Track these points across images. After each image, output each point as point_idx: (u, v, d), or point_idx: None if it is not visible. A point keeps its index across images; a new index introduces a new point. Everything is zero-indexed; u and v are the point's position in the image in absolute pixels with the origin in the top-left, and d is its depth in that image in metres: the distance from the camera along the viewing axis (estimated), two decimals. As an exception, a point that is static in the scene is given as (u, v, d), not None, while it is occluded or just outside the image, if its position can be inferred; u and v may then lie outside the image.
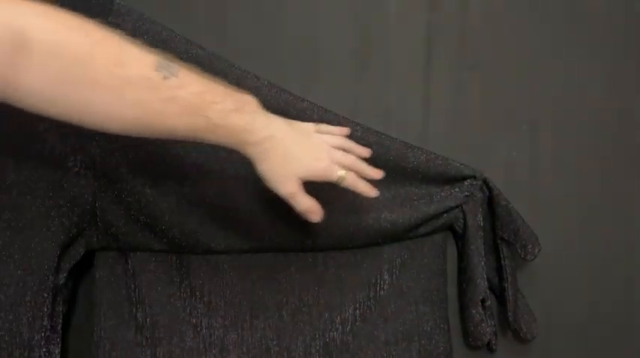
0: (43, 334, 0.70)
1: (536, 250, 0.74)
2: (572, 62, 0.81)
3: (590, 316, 0.81)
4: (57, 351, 0.72)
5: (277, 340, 0.75)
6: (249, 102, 0.60)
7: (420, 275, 0.77)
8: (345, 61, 0.79)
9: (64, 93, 0.52)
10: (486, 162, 0.77)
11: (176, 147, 0.72)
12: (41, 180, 0.68)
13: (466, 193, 0.76)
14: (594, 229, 0.81)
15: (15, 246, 0.68)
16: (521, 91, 0.80)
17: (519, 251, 0.75)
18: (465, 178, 0.76)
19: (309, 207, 0.63)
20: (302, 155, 0.62)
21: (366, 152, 0.67)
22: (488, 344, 0.77)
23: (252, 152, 0.60)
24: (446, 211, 0.76)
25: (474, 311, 0.75)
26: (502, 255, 0.76)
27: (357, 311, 0.76)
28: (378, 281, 0.77)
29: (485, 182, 0.76)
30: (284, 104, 0.72)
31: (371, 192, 0.65)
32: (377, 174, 0.66)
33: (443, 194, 0.76)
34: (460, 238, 0.78)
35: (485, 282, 0.76)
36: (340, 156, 0.64)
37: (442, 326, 0.78)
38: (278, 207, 0.73)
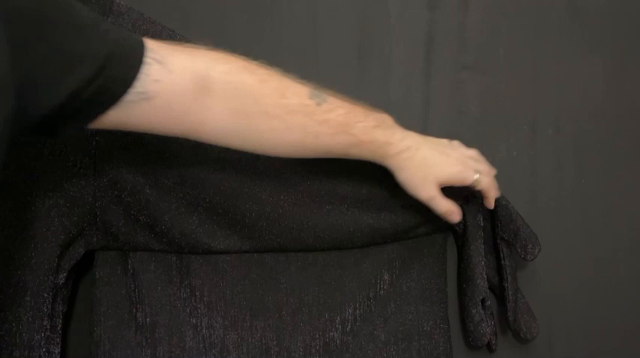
0: (43, 334, 0.70)
1: (537, 250, 0.74)
2: (572, 62, 0.81)
3: (591, 316, 0.81)
4: (57, 351, 0.72)
5: (277, 340, 0.75)
6: (386, 119, 0.67)
7: (420, 275, 0.77)
8: (344, 61, 0.79)
9: (241, 125, 0.61)
10: (486, 162, 0.77)
11: (176, 147, 0.72)
12: (41, 180, 0.68)
13: (466, 193, 0.76)
14: (594, 229, 0.81)
15: (15, 246, 0.68)
16: (521, 91, 0.80)
17: (519, 251, 0.75)
18: (464, 178, 0.76)
19: (449, 209, 0.69)
20: (438, 161, 0.68)
21: (493, 170, 0.72)
22: (488, 344, 0.77)
23: (392, 163, 0.67)
24: (446, 211, 0.76)
25: (474, 311, 0.75)
26: (502, 255, 0.76)
27: (357, 311, 0.76)
28: (378, 281, 0.77)
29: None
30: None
31: (492, 204, 0.71)
32: (497, 193, 0.72)
33: (443, 194, 0.76)
34: (460, 238, 0.78)
35: (486, 282, 0.76)
36: (474, 162, 0.70)
37: (442, 326, 0.78)
38: (278, 207, 0.73)
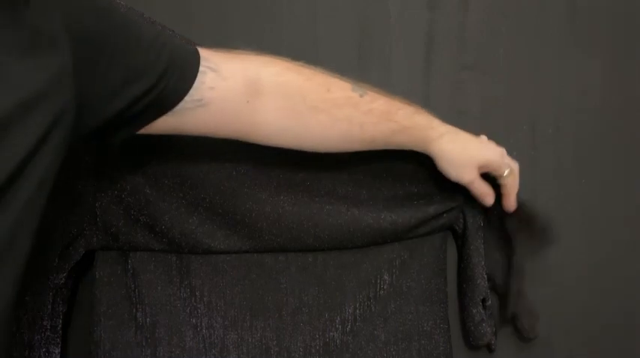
0: (43, 334, 0.70)
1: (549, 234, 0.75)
2: (572, 62, 0.81)
3: (591, 316, 0.81)
4: (57, 351, 0.72)
5: (277, 340, 0.75)
6: (421, 109, 0.70)
7: (420, 275, 0.77)
8: (344, 61, 0.79)
9: (291, 122, 0.64)
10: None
11: (176, 148, 0.72)
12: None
13: (466, 193, 0.76)
14: (594, 229, 0.81)
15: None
16: (522, 91, 0.80)
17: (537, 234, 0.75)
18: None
19: (486, 191, 0.72)
20: (479, 146, 0.71)
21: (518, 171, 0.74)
22: (488, 344, 0.77)
23: (435, 147, 0.69)
24: (446, 211, 0.76)
25: (474, 311, 0.75)
26: (513, 245, 0.75)
27: (357, 311, 0.76)
28: (378, 281, 0.77)
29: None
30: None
31: (513, 203, 0.73)
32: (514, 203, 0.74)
33: (443, 194, 0.76)
34: (460, 238, 0.78)
35: (486, 282, 0.76)
36: (507, 157, 0.73)
37: (442, 326, 0.78)
38: (278, 207, 0.73)
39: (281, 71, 0.64)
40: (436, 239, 0.78)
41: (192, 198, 0.72)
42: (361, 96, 0.65)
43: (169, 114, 0.58)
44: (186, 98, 0.58)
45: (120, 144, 0.69)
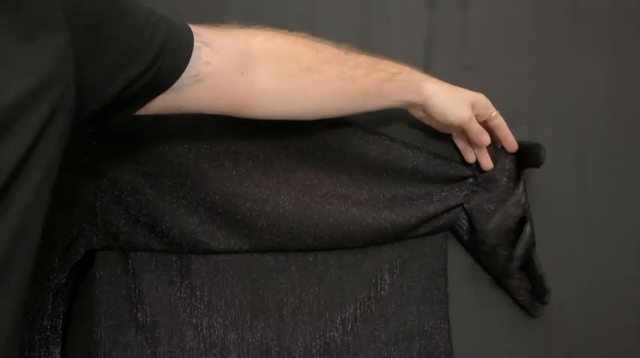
0: (43, 334, 0.70)
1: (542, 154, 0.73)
2: (572, 62, 0.81)
3: (591, 316, 0.81)
4: (57, 351, 0.72)
5: (277, 340, 0.75)
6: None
7: (420, 275, 0.77)
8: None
9: (286, 86, 0.64)
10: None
11: (176, 147, 0.72)
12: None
13: (466, 193, 0.76)
14: (594, 229, 0.81)
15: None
16: (522, 91, 0.80)
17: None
18: (465, 178, 0.76)
19: (482, 129, 0.72)
20: (460, 88, 0.72)
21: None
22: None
23: (427, 89, 0.69)
24: (446, 211, 0.76)
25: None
26: (528, 219, 0.74)
27: (358, 311, 0.76)
28: (379, 281, 0.77)
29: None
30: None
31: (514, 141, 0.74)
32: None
33: (443, 194, 0.76)
34: (461, 238, 0.78)
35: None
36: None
37: (442, 326, 0.78)
38: (278, 207, 0.73)
39: (269, 38, 0.64)
40: (437, 239, 0.78)
41: (192, 198, 0.72)
42: (346, 53, 0.67)
43: (167, 91, 0.58)
44: (184, 74, 0.58)
45: (119, 144, 0.69)
